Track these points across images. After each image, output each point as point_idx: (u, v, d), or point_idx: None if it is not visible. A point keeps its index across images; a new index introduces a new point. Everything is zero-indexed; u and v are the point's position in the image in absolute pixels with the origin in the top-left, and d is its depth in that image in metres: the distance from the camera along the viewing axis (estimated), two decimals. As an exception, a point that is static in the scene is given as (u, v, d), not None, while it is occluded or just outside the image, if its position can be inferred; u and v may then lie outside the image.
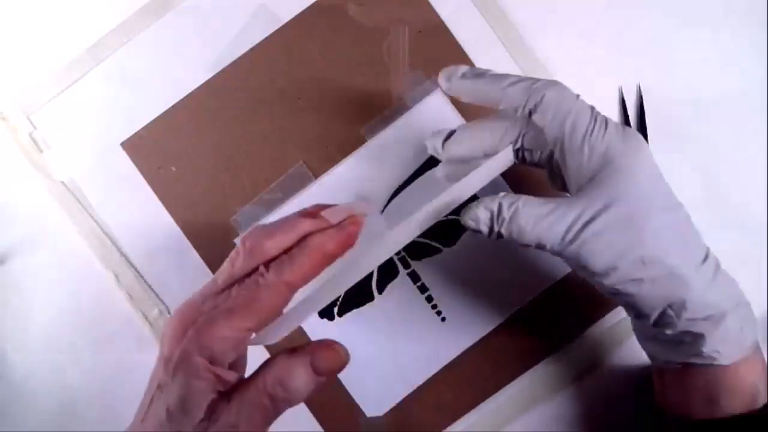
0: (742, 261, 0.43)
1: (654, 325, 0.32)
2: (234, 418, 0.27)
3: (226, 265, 0.30)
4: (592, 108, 0.33)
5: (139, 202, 0.44)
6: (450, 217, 0.33)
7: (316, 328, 0.43)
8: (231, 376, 0.27)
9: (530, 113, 0.32)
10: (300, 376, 0.28)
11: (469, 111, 0.42)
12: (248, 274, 0.29)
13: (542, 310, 0.43)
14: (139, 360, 0.44)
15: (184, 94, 0.44)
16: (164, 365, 0.27)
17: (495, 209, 0.31)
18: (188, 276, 0.44)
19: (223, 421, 0.27)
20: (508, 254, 0.43)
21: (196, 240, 0.43)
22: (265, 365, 0.29)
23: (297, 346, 0.30)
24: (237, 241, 0.32)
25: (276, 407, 0.28)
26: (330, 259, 0.30)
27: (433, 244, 0.43)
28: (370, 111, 0.43)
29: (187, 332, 0.27)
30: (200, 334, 0.27)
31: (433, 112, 0.43)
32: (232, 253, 0.30)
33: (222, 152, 0.44)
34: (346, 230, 0.30)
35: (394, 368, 0.43)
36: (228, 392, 0.28)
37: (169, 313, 0.44)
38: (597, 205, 0.31)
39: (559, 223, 0.31)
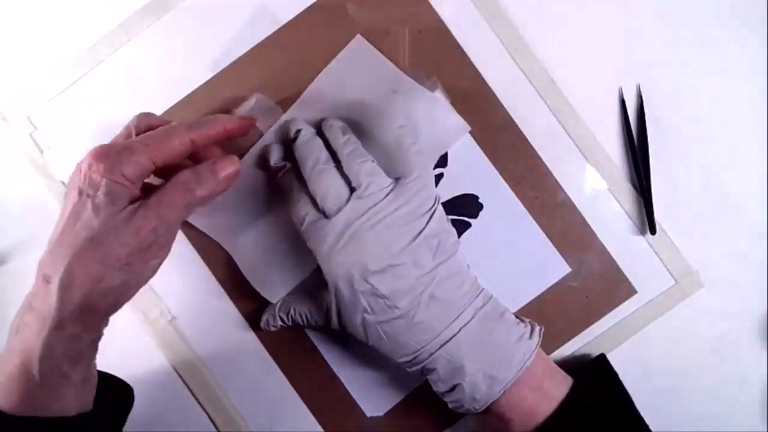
0: (742, 261, 0.43)
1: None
2: (156, 198, 0.33)
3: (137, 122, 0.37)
4: None
5: (139, 202, 0.44)
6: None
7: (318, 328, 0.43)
8: (137, 192, 0.34)
9: None
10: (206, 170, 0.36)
11: (467, 111, 0.42)
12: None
13: (547, 307, 0.43)
14: (138, 360, 0.44)
15: (184, 94, 0.44)
16: (88, 177, 0.32)
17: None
18: (188, 276, 0.44)
19: (149, 201, 0.33)
20: (506, 261, 0.43)
21: (197, 240, 0.43)
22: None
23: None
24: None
25: (191, 191, 0.34)
26: (227, 134, 0.38)
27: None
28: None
29: (107, 157, 0.32)
30: (121, 155, 0.33)
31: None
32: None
33: (223, 151, 0.43)
34: (245, 120, 0.39)
35: (394, 368, 0.43)
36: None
37: (169, 312, 0.44)
38: None
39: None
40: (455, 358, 0.36)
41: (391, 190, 0.36)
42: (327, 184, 0.36)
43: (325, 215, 0.36)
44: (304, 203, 0.37)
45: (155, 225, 0.33)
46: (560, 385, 0.37)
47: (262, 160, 0.42)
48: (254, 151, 0.42)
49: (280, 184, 0.39)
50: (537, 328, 0.38)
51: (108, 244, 0.32)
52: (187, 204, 0.34)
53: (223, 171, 0.36)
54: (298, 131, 0.39)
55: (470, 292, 0.37)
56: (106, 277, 0.32)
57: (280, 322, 0.41)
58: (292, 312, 0.40)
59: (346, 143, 0.38)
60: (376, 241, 0.36)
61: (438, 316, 0.36)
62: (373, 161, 0.37)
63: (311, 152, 0.38)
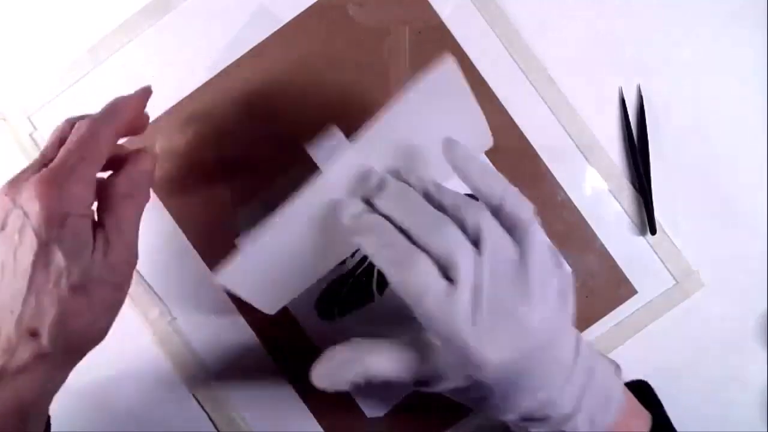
0: (742, 261, 0.43)
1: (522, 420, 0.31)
2: (112, 224, 0.31)
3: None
4: None
5: (139, 202, 0.44)
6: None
7: (316, 328, 0.43)
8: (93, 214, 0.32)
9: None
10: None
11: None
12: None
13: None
14: (137, 360, 0.44)
15: (185, 95, 0.44)
16: (47, 224, 0.29)
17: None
18: (188, 276, 0.44)
19: (108, 230, 0.31)
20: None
21: (196, 240, 0.43)
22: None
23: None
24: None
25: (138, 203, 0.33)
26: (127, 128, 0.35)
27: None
28: (371, 111, 0.43)
29: (56, 189, 0.29)
30: (68, 182, 0.30)
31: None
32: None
33: (222, 152, 0.44)
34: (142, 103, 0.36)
35: (394, 368, 0.43)
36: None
37: (169, 312, 0.44)
38: None
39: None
40: (563, 410, 0.30)
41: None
42: (454, 240, 0.28)
43: (450, 280, 0.28)
44: (424, 267, 0.28)
45: (126, 256, 0.32)
46: (642, 423, 0.33)
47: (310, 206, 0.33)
48: (310, 193, 0.33)
49: (366, 246, 0.30)
50: (615, 362, 0.34)
51: (93, 289, 0.30)
52: (138, 216, 0.33)
53: (146, 167, 0.34)
54: (383, 182, 0.32)
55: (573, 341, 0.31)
56: (96, 321, 0.31)
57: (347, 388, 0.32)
58: (371, 378, 0.31)
59: (445, 192, 0.31)
60: (531, 315, 0.28)
61: (557, 380, 0.30)
62: (488, 209, 0.30)
63: (414, 204, 0.30)
